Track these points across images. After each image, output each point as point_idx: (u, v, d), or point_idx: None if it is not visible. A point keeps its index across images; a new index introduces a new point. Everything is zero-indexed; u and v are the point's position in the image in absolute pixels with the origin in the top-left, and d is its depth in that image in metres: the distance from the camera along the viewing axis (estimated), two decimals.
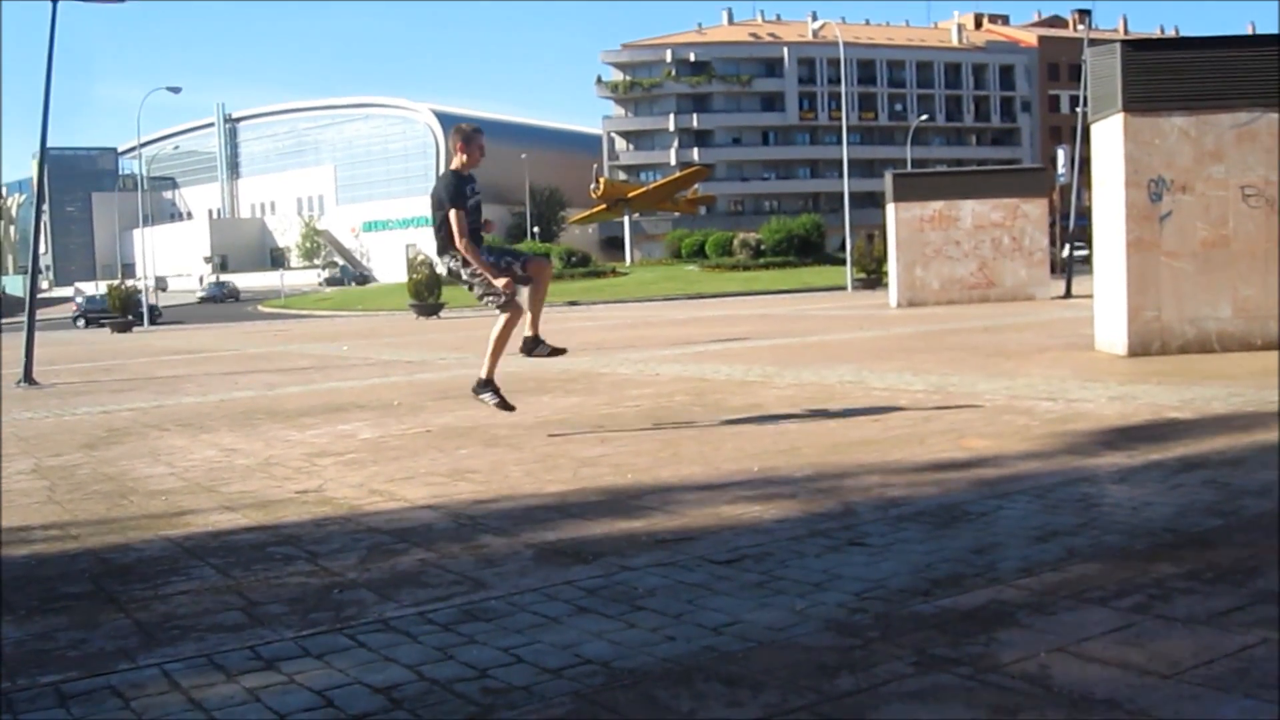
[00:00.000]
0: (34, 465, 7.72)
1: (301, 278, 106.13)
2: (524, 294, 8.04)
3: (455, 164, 7.82)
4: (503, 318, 7.85)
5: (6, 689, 3.17)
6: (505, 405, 8.04)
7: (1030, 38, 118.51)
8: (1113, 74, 11.03)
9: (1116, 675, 2.82)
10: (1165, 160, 10.87)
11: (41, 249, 30.22)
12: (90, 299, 65.10)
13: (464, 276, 7.81)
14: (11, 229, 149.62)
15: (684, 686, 2.93)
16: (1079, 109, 24.73)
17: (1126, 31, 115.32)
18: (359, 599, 3.93)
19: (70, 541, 5.19)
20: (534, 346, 8.21)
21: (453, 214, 7.59)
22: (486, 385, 8.06)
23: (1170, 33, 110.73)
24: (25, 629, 3.77)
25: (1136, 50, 11.21)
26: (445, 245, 7.75)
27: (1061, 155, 33.68)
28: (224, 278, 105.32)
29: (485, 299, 7.89)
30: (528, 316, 8.04)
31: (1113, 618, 3.27)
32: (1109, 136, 11.29)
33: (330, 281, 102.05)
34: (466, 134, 7.83)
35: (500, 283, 7.62)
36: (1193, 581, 3.59)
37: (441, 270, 8.01)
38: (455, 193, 7.62)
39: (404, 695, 2.98)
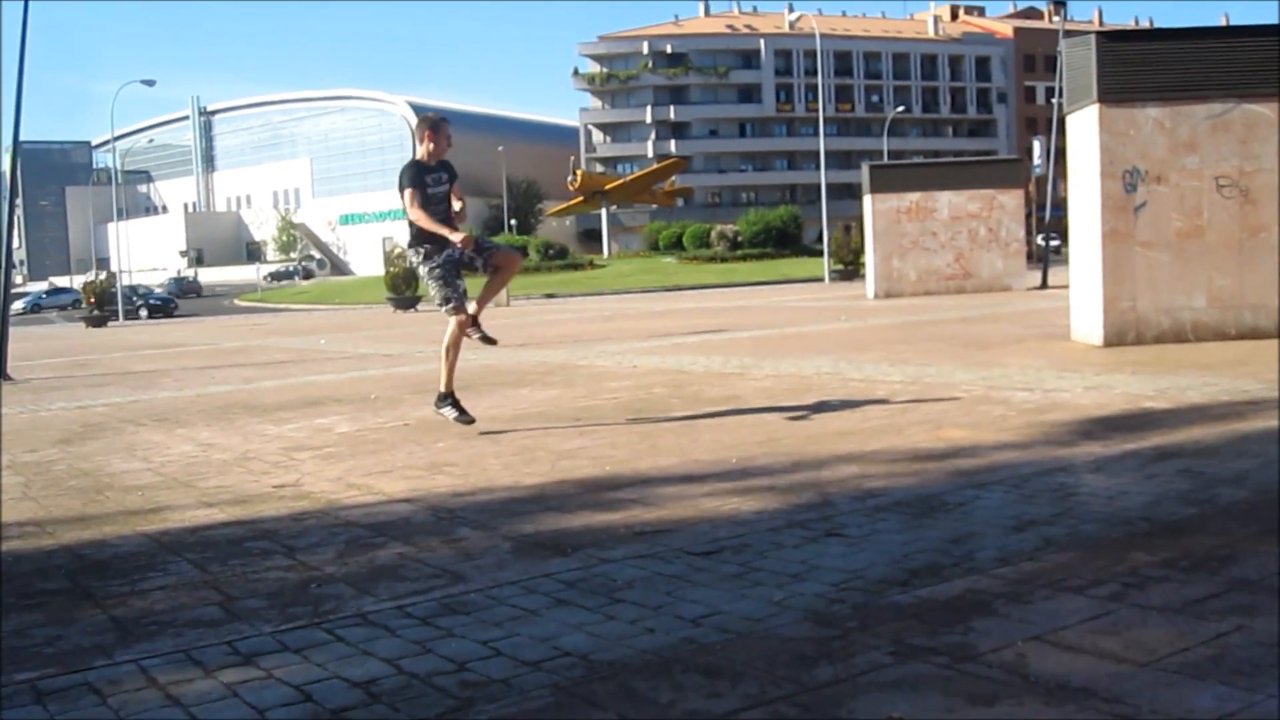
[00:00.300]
0: (9, 461, 7.67)
1: (277, 270, 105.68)
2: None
3: (420, 153, 7.78)
4: (452, 323, 7.76)
5: None
6: (465, 418, 7.77)
7: (1006, 29, 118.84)
8: (1088, 65, 11.07)
9: (1093, 664, 2.84)
10: (1140, 151, 10.92)
11: (15, 244, 30.01)
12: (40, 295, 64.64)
13: (422, 274, 7.81)
14: None
15: (663, 678, 2.93)
16: (1054, 100, 24.81)
17: (1101, 23, 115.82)
18: (337, 593, 3.93)
19: (46, 538, 5.16)
20: (468, 326, 7.92)
21: (406, 194, 7.59)
22: (445, 399, 7.85)
23: (1145, 24, 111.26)
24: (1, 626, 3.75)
25: (1111, 41, 11.26)
26: (414, 239, 7.73)
27: (1037, 146, 33.86)
28: (185, 273, 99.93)
29: (441, 306, 7.85)
30: (458, 322, 7.82)
31: (1089, 606, 3.29)
32: (1084, 128, 11.33)
33: (275, 276, 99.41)
34: (433, 122, 7.81)
35: (457, 237, 7.52)
36: (1168, 570, 3.61)
37: (412, 259, 7.92)
38: (413, 176, 7.61)
39: (383, 689, 2.97)
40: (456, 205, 7.92)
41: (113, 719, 2.88)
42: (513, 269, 8.17)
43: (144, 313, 57.89)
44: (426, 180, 7.65)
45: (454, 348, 7.82)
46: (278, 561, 4.43)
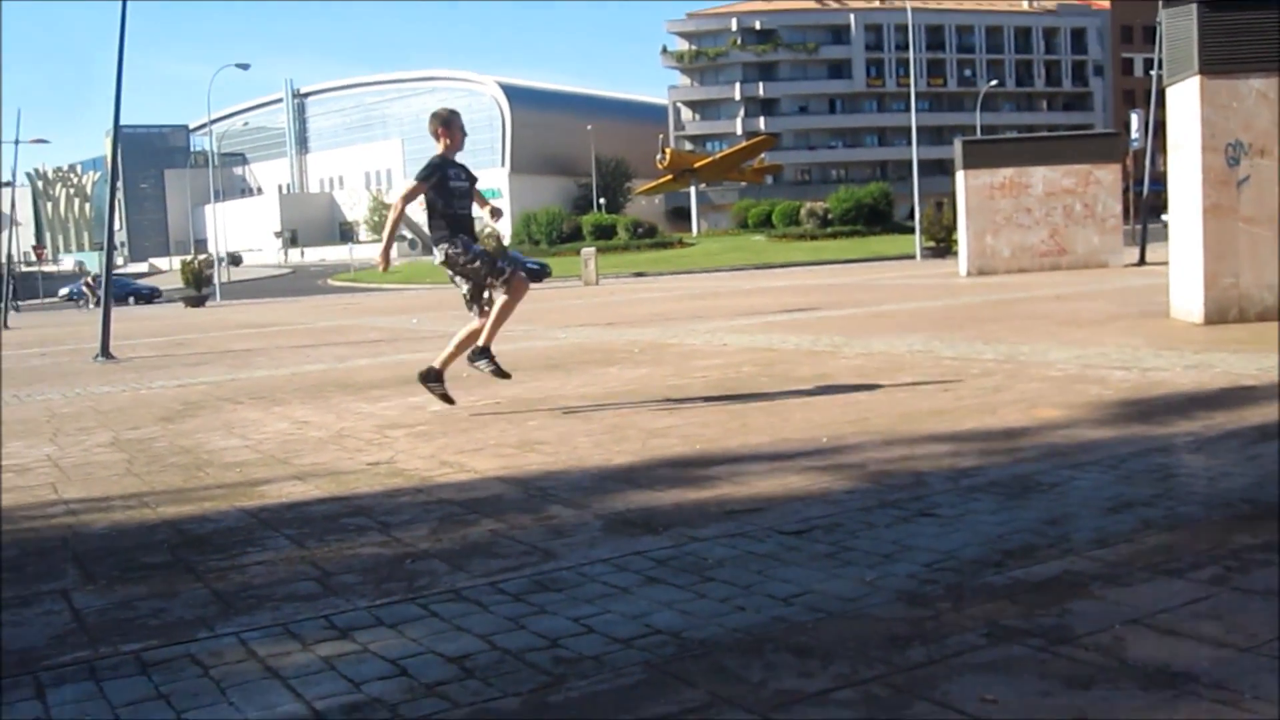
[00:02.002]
0: (112, 438, 7.87)
1: (370, 251, 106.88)
2: (496, 297, 7.76)
3: (440, 148, 7.78)
4: (501, 297, 7.67)
5: (89, 657, 3.25)
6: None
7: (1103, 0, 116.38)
8: (1188, 36, 10.81)
9: (1193, 648, 2.78)
10: (1243, 123, 10.65)
11: (116, 226, 30.67)
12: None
13: (460, 263, 7.64)
14: (86, 206, 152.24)
15: (754, 656, 2.93)
16: (1153, 72, 24.28)
17: None
18: (431, 569, 3.97)
19: (148, 512, 5.28)
20: (480, 356, 7.79)
21: (410, 184, 7.67)
22: (483, 353, 7.76)
23: None
24: (107, 598, 3.85)
25: (1213, 11, 10.96)
26: (442, 235, 7.68)
27: (1135, 120, 33.13)
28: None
29: (473, 303, 7.80)
30: (483, 324, 7.76)
31: (1189, 589, 3.23)
32: (1185, 100, 11.07)
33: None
34: (444, 118, 7.81)
35: (381, 266, 7.95)
36: (1270, 553, 3.53)
37: (437, 257, 7.79)
38: (429, 171, 7.63)
39: (476, 664, 3.00)
40: (482, 212, 7.98)
41: (214, 690, 2.94)
42: (519, 295, 7.78)
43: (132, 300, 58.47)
44: (449, 174, 7.68)
45: (506, 311, 7.72)
46: (372, 537, 4.50)
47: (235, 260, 66.83)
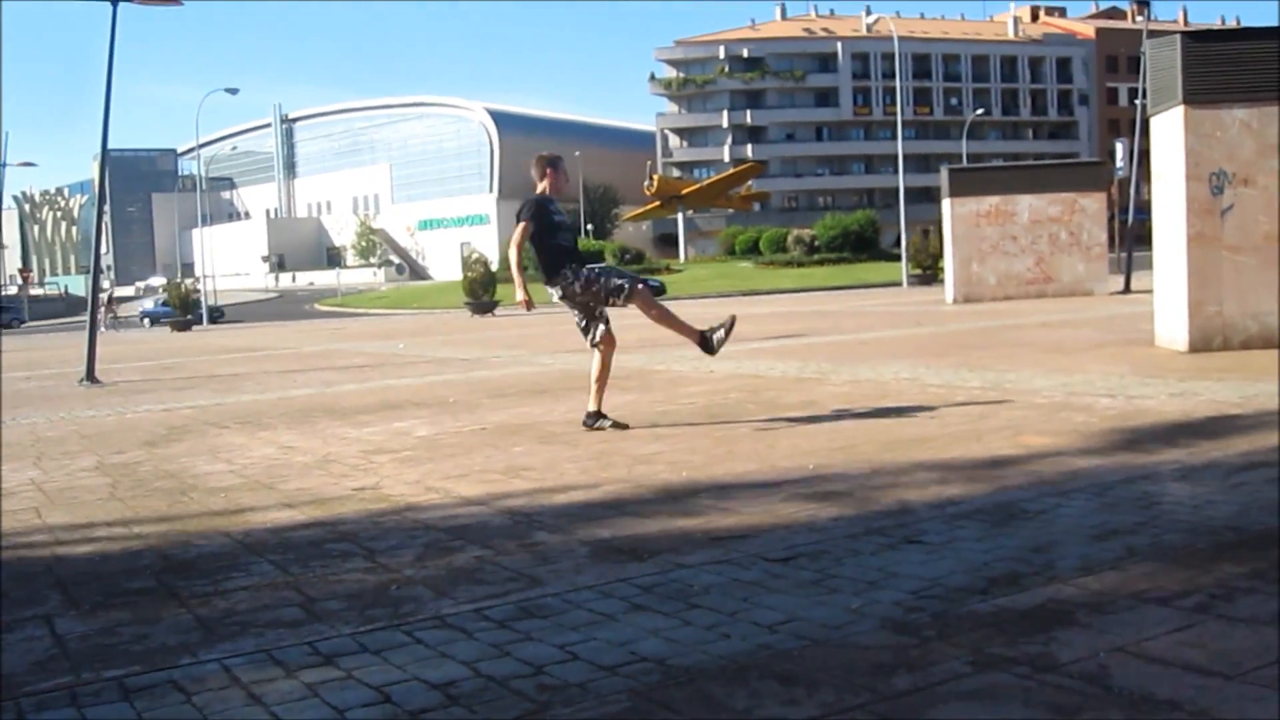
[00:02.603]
0: (97, 463, 7.84)
1: (356, 277, 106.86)
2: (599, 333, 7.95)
3: (542, 188, 8.01)
4: (597, 357, 7.91)
5: (72, 683, 3.23)
6: (619, 424, 7.87)
7: (1088, 30, 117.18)
8: (1172, 66, 10.89)
9: (1178, 676, 2.79)
10: (1227, 153, 10.73)
11: (103, 249, 30.62)
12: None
13: (576, 293, 7.75)
14: (74, 230, 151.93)
15: (739, 684, 2.93)
16: (1138, 102, 24.41)
17: (1186, 22, 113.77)
18: (416, 595, 3.96)
19: (132, 537, 5.26)
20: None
21: (519, 226, 7.77)
22: (597, 416, 7.92)
23: (1231, 23, 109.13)
24: (90, 624, 3.83)
25: (1196, 41, 11.06)
26: (552, 271, 7.79)
27: (1120, 149, 33.29)
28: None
29: (586, 334, 7.93)
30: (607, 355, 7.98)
31: (1174, 617, 3.23)
32: (1169, 129, 11.14)
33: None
34: (551, 159, 8.06)
35: (521, 297, 7.85)
36: (1256, 581, 3.54)
37: (553, 294, 7.92)
38: (532, 209, 7.79)
39: (461, 691, 2.99)
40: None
41: (197, 717, 2.93)
42: (652, 307, 7.89)
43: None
44: (550, 209, 7.87)
45: (604, 370, 7.99)
46: (357, 563, 4.48)
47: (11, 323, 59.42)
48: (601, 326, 7.90)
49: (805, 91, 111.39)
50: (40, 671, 3.35)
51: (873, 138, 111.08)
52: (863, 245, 74.25)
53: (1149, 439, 6.26)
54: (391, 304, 68.99)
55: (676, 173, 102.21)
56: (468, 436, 8.04)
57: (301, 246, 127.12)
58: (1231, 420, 6.74)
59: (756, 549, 4.31)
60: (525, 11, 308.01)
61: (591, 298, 7.78)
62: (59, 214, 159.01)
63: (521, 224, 7.78)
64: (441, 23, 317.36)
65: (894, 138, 63.09)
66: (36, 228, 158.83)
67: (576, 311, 7.91)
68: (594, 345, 7.94)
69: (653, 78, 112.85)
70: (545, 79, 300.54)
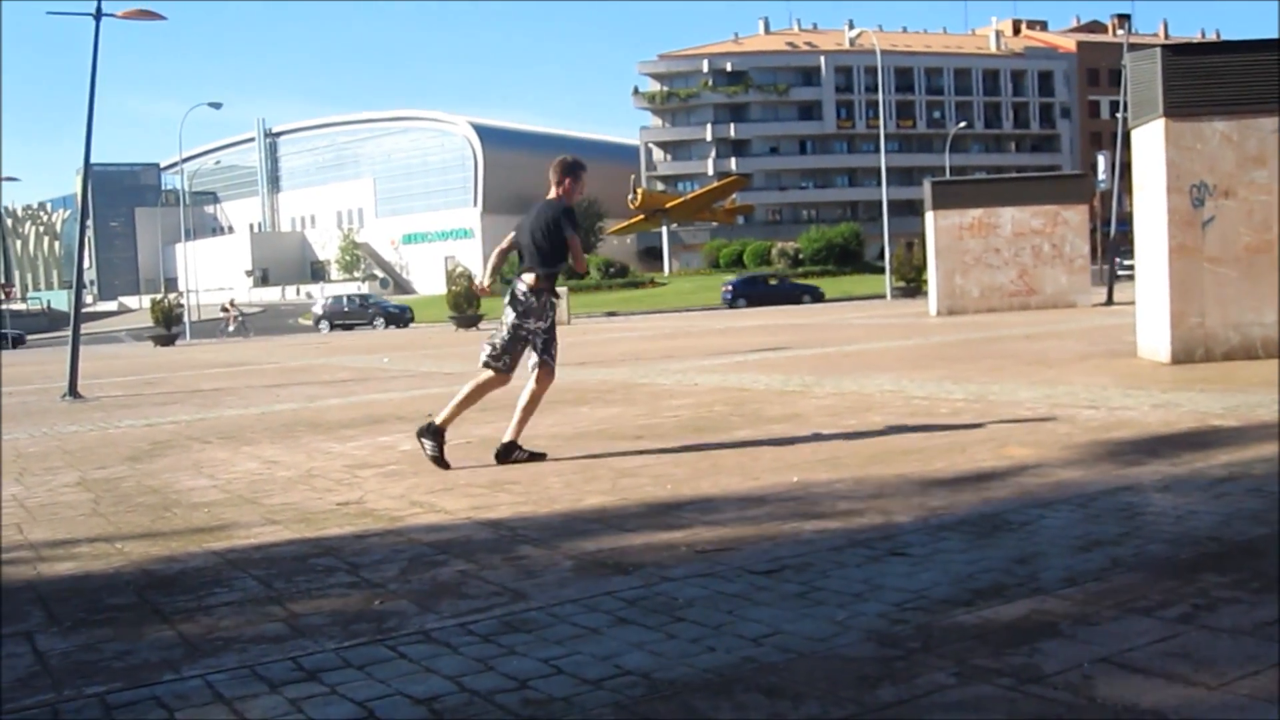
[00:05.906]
0: (79, 478, 7.80)
1: (341, 290, 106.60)
2: (529, 382, 7.44)
3: (557, 193, 7.43)
4: (484, 376, 7.43)
5: (53, 700, 3.21)
6: (441, 461, 7.22)
7: (1069, 43, 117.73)
8: (1153, 79, 10.95)
9: (1161, 686, 2.79)
10: (1207, 165, 10.78)
11: (86, 264, 30.56)
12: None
13: (530, 319, 7.30)
14: (56, 244, 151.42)
15: (724, 697, 2.92)
16: (1119, 114, 24.54)
17: (1167, 36, 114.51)
18: (400, 610, 3.95)
19: (115, 554, 5.23)
20: (510, 453, 7.32)
21: (577, 240, 7.33)
22: (435, 433, 7.27)
23: (1211, 37, 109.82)
24: (71, 640, 3.81)
25: (1177, 55, 11.12)
26: (542, 289, 7.33)
27: (1102, 161, 33.49)
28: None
29: (498, 358, 7.39)
30: (513, 421, 7.43)
31: (1157, 628, 3.24)
32: (1150, 142, 11.20)
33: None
34: (572, 166, 7.47)
35: (529, 278, 7.25)
36: (1238, 591, 3.55)
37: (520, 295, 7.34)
38: (575, 221, 7.33)
39: (445, 706, 2.99)
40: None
41: None
42: (545, 388, 7.46)
43: None
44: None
45: (475, 395, 7.47)
46: (341, 579, 4.47)
47: (18, 341, 55.55)
48: (546, 357, 7.37)
49: (788, 105, 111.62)
50: (22, 688, 3.33)
51: (856, 151, 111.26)
52: (847, 258, 74.49)
53: (1132, 450, 6.28)
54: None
55: (660, 186, 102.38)
56: (452, 450, 8.01)
57: (285, 261, 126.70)
58: (1214, 431, 6.77)
59: (741, 561, 4.31)
60: (508, 25, 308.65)
61: (545, 332, 7.33)
62: (41, 229, 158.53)
63: (576, 238, 7.31)
64: (425, 37, 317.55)
65: (877, 151, 63.27)
66: (18, 243, 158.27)
67: (509, 326, 7.32)
68: (504, 370, 7.41)
69: (636, 91, 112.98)
70: (529, 93, 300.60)
